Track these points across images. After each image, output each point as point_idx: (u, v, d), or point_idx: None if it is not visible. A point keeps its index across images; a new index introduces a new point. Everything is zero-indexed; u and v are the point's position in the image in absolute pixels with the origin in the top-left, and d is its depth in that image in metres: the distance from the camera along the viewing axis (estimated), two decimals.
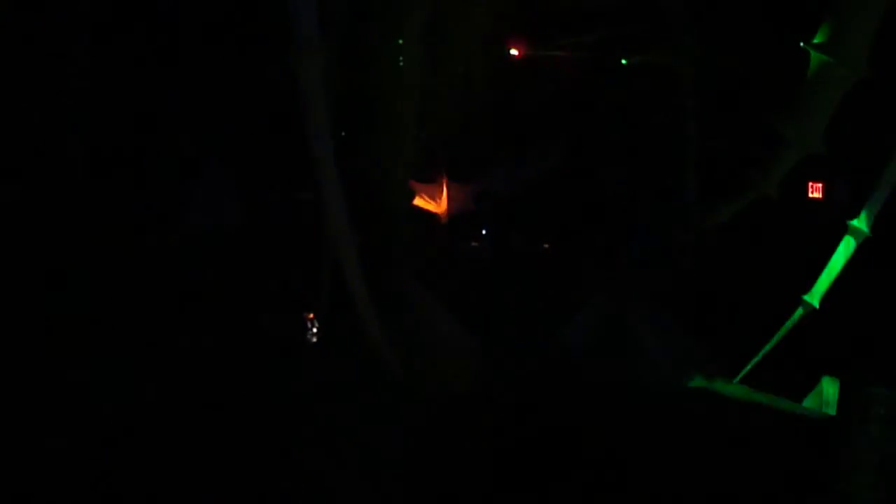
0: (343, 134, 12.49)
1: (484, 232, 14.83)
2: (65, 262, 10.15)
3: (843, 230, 10.85)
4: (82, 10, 10.65)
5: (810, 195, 15.31)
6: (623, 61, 15.51)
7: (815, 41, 10.24)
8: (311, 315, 13.32)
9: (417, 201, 12.01)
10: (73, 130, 10.91)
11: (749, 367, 11.42)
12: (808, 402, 9.95)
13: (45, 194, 10.63)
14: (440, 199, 14.77)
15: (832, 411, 9.57)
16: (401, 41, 10.30)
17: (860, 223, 10.68)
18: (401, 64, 10.32)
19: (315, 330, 13.13)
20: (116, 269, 10.39)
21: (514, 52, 15.33)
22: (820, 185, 15.23)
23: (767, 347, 11.42)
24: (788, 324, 11.35)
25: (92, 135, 10.92)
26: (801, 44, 10.27)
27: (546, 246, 14.95)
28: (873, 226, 10.67)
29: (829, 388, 9.94)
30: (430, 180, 13.82)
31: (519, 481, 8.52)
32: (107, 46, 11.06)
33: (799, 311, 11.27)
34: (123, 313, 9.40)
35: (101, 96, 10.94)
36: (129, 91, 11.53)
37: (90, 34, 11.01)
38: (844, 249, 10.89)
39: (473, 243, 14.77)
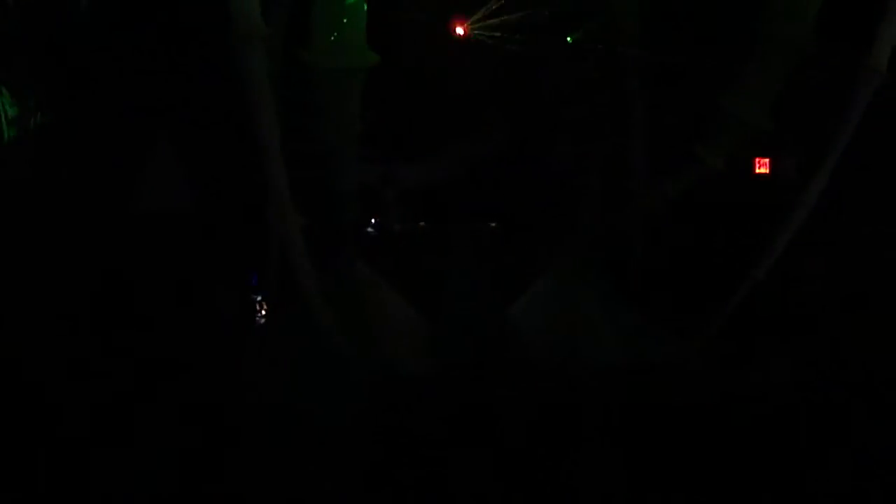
0: (288, 115, 12.45)
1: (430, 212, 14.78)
2: (20, 241, 10.06)
3: (790, 205, 10.93)
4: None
5: (757, 171, 15.38)
6: (568, 39, 15.47)
7: (760, 18, 10.28)
8: (259, 296, 13.28)
9: (363, 182, 11.95)
10: (27, 112, 10.79)
11: (697, 340, 11.49)
12: None
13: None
14: (387, 179, 14.74)
15: None
16: (344, 21, 10.21)
17: (806, 197, 10.78)
18: (344, 43, 10.24)
19: (263, 311, 13.10)
20: (65, 250, 10.28)
21: (459, 30, 15.23)
22: (767, 160, 15.30)
23: (715, 320, 11.49)
24: (736, 297, 11.43)
25: (45, 117, 10.78)
26: (747, 20, 10.30)
27: (493, 225, 14.93)
28: (818, 200, 10.77)
29: None
30: (377, 161, 13.74)
31: (470, 460, 8.54)
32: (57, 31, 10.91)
33: (746, 285, 11.35)
34: (73, 292, 9.29)
35: (55, 80, 10.80)
36: (80, 75, 11.39)
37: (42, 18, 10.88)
38: (791, 224, 10.98)
39: (421, 223, 14.73)
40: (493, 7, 14.39)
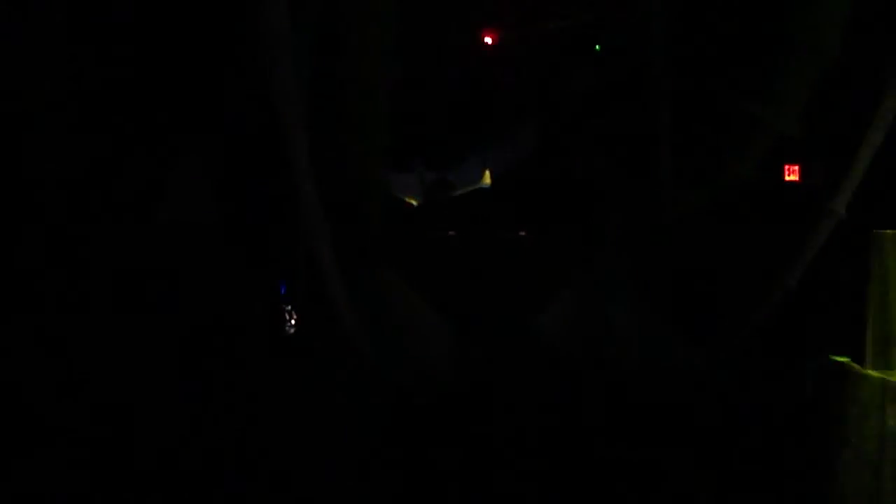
0: (316, 125, 12.48)
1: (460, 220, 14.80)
2: (41, 251, 10.10)
3: (821, 212, 10.86)
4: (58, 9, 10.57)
5: (787, 178, 15.29)
6: (596, 47, 15.48)
7: (788, 24, 10.26)
8: (288, 307, 13.32)
9: (392, 191, 11.98)
10: (47, 122, 10.83)
11: (727, 347, 11.43)
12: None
13: (22, 185, 10.57)
14: (415, 187, 14.78)
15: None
16: (372, 30, 10.27)
17: (837, 204, 10.71)
18: (373, 53, 10.29)
19: (292, 322, 13.13)
20: (89, 260, 10.32)
21: (487, 39, 15.27)
22: (796, 167, 15.21)
23: (746, 327, 11.43)
24: (767, 304, 11.37)
25: (66, 127, 10.82)
26: (774, 27, 10.28)
27: (522, 234, 14.95)
28: (849, 207, 10.70)
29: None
30: (404, 169, 13.78)
31: (497, 471, 8.54)
32: (82, 42, 10.96)
33: (777, 292, 11.28)
34: (98, 303, 9.31)
35: (75, 89, 10.84)
36: (103, 85, 11.43)
37: (66, 31, 10.93)
38: (821, 231, 10.91)
39: (450, 232, 14.76)
40: (522, 17, 14.45)
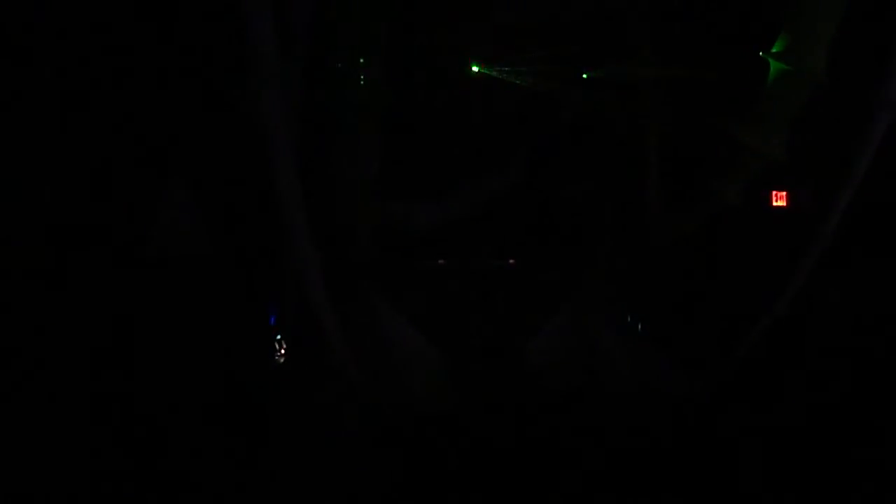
0: (306, 154, 12.47)
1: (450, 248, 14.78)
2: (32, 279, 10.07)
3: (808, 237, 10.88)
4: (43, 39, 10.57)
5: (774, 203, 15.31)
6: (584, 76, 15.51)
7: (774, 50, 10.31)
8: (279, 336, 13.28)
9: (383, 219, 11.98)
10: (37, 150, 10.81)
11: (717, 373, 11.44)
12: None
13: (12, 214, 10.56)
14: (407, 216, 14.74)
15: None
16: (362, 60, 10.30)
17: (824, 230, 10.74)
18: (362, 83, 10.33)
19: (283, 350, 13.09)
20: (81, 291, 10.29)
21: (475, 68, 15.27)
22: (784, 193, 15.24)
23: (736, 353, 11.43)
24: (756, 329, 11.38)
25: (56, 155, 10.81)
26: (761, 53, 10.32)
27: (511, 261, 14.93)
28: (836, 231, 10.73)
29: None
30: (394, 197, 13.75)
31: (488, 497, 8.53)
32: (72, 69, 10.97)
33: (767, 319, 11.30)
34: (89, 334, 9.28)
35: (64, 118, 10.84)
36: (93, 112, 11.44)
37: (56, 58, 10.93)
38: (809, 257, 10.94)
39: (440, 260, 14.72)
40: (509, 46, 14.47)
